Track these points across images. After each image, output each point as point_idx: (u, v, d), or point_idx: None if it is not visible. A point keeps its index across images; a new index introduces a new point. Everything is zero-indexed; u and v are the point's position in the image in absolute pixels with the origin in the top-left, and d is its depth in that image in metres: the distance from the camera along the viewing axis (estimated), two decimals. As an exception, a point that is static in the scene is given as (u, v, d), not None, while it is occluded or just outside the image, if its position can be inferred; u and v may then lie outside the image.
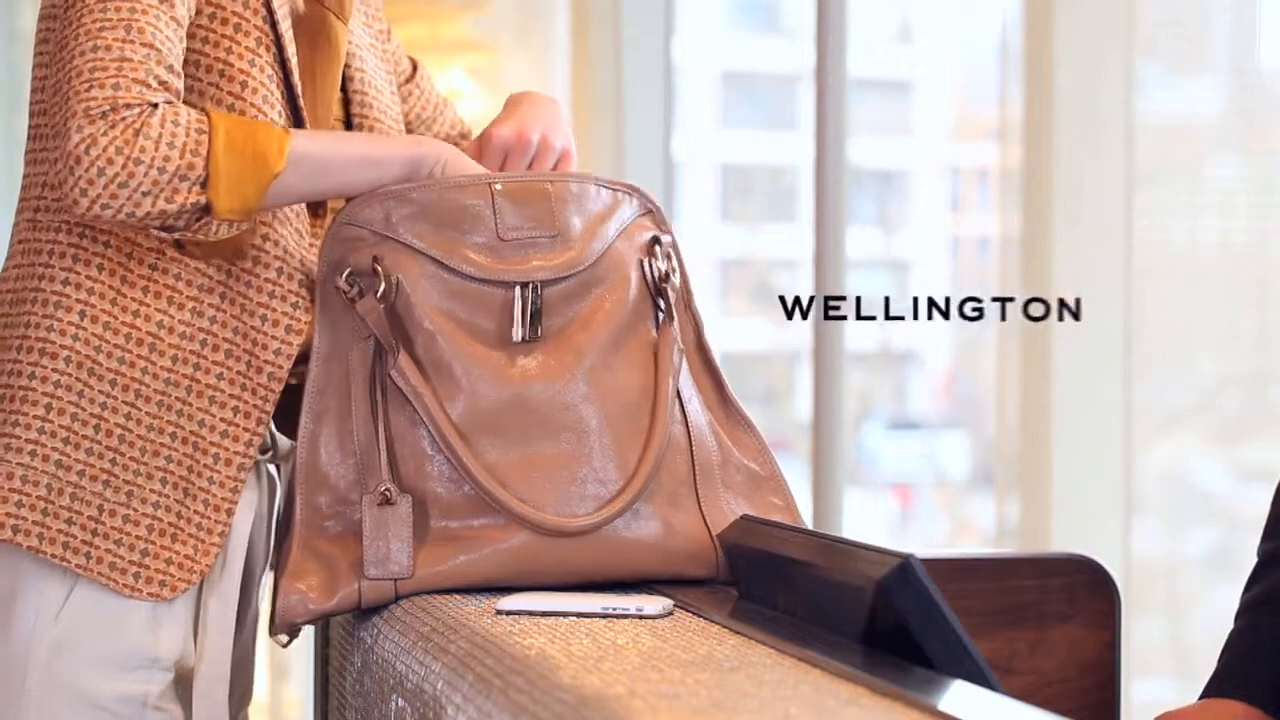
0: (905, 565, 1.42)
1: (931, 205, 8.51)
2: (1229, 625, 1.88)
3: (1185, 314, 3.48)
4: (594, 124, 4.50)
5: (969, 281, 7.97)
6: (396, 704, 1.68)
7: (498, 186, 1.87)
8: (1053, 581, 1.87)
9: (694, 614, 1.67)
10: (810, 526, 1.95)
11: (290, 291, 1.90)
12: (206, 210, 1.79)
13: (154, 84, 1.78)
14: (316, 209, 1.96)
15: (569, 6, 4.63)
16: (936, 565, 1.73)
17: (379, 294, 1.82)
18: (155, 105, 1.77)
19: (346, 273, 1.83)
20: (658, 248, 1.90)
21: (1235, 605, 1.88)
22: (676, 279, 1.91)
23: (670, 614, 1.67)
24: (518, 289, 1.84)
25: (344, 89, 2.04)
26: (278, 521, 1.96)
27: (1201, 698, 1.84)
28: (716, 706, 1.25)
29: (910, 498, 8.14)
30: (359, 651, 1.84)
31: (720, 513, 1.85)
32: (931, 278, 8.31)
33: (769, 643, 1.49)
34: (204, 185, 1.78)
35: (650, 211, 1.94)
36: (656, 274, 1.89)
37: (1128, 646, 1.92)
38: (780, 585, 1.66)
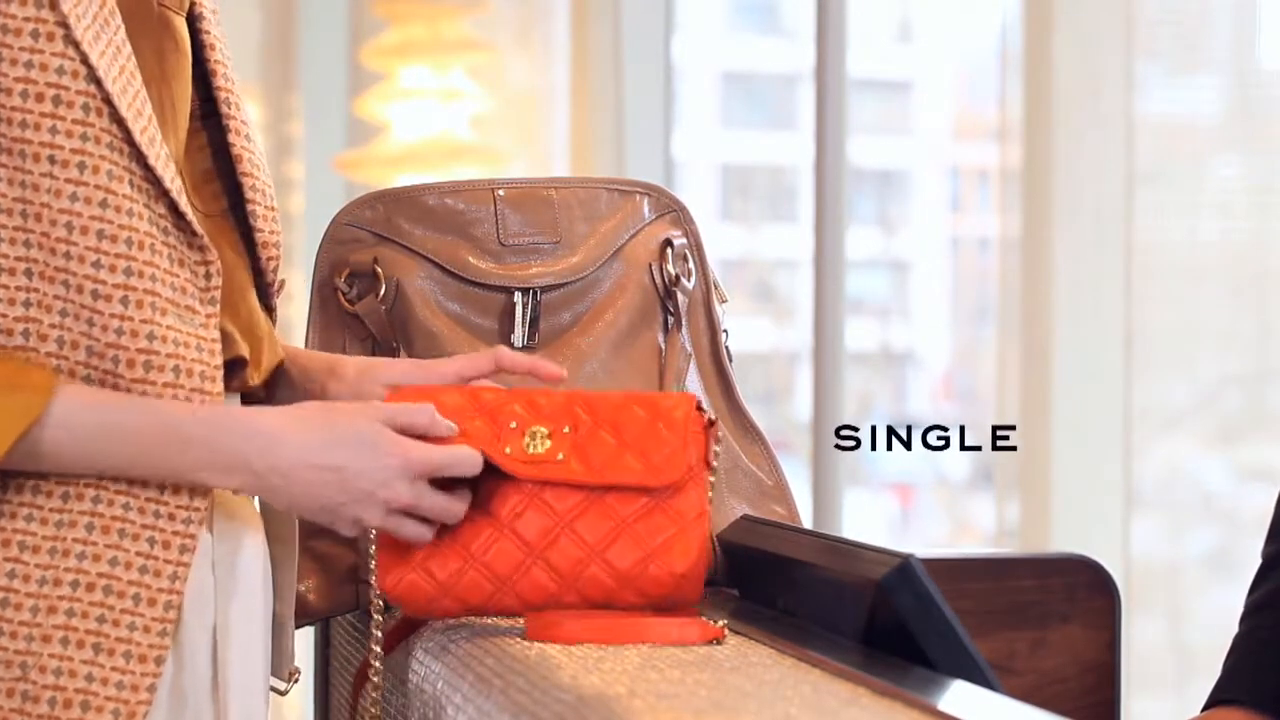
0: (905, 565, 1.42)
1: (931, 205, 8.51)
2: (1229, 625, 1.88)
3: (1185, 314, 3.48)
4: (594, 124, 4.50)
5: (969, 281, 7.97)
6: (397, 703, 1.68)
7: (500, 193, 1.87)
8: (1053, 581, 1.87)
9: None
10: (810, 526, 1.95)
11: (175, 534, 1.54)
12: None
13: None
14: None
15: (569, 6, 4.62)
16: (936, 565, 1.72)
17: (380, 295, 1.82)
18: None
19: (346, 274, 1.83)
20: (669, 250, 1.89)
21: (1236, 605, 1.88)
22: (691, 282, 1.90)
23: (670, 614, 1.66)
24: (518, 295, 1.84)
25: (205, 83, 1.69)
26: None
27: (1206, 704, 1.84)
28: (716, 706, 1.25)
29: (910, 498, 8.14)
30: (359, 651, 1.84)
31: (724, 518, 1.85)
32: (931, 278, 8.31)
33: (769, 643, 1.49)
34: None
35: (672, 211, 1.92)
36: (666, 278, 1.88)
37: (1128, 647, 1.92)
38: (780, 585, 1.65)
